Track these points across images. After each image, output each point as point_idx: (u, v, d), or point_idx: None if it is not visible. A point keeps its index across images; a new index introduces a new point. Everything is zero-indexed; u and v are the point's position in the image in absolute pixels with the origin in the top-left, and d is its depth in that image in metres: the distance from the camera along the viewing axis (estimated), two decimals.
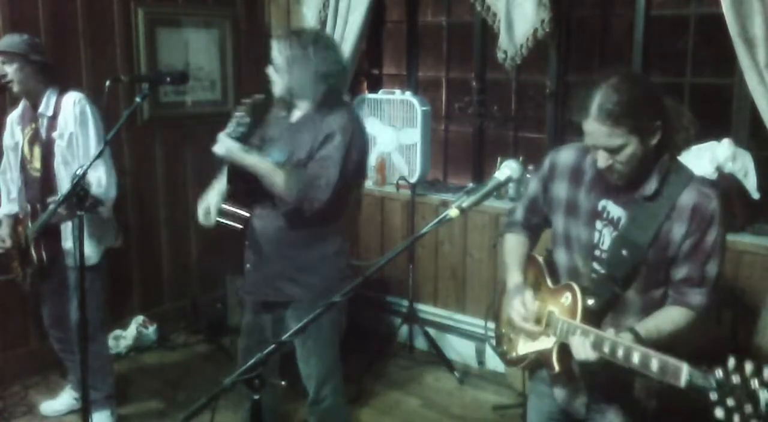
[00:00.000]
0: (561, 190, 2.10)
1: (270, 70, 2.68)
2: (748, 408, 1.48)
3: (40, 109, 3.18)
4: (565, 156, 2.11)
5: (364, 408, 3.74)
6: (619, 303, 1.99)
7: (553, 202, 2.12)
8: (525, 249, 2.25)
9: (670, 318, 1.92)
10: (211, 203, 2.76)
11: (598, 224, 2.00)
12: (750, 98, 3.13)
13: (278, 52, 2.64)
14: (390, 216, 4.46)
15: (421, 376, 4.09)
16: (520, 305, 2.06)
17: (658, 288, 1.96)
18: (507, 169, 1.86)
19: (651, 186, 1.90)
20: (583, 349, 1.83)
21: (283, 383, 3.00)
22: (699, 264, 1.90)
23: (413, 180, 4.19)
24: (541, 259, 2.19)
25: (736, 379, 1.50)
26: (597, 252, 2.00)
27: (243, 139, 2.57)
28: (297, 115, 2.73)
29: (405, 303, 4.26)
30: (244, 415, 3.07)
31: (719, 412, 1.51)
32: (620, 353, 1.75)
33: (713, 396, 1.52)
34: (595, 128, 1.83)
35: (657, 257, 1.91)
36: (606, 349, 1.79)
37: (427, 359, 4.24)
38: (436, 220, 1.75)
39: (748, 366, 1.50)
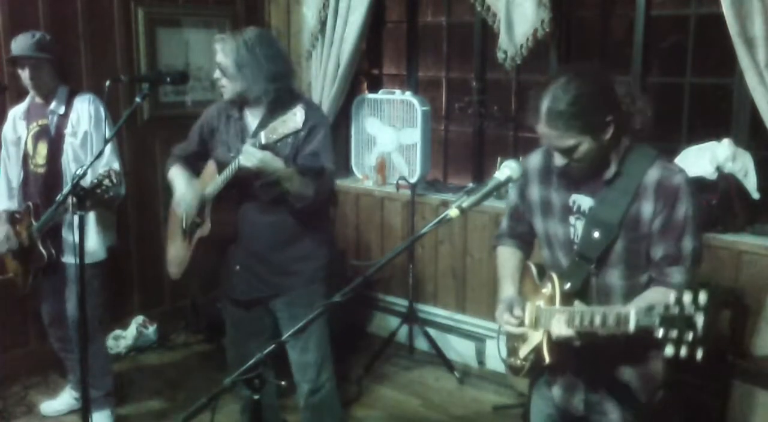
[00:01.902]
0: (534, 192, 2.14)
1: (217, 74, 2.67)
2: (689, 336, 1.51)
3: (52, 106, 3.19)
4: (534, 160, 2.16)
5: (364, 408, 3.74)
6: (605, 291, 2.01)
7: (531, 206, 2.16)
8: (516, 259, 2.26)
9: (651, 298, 1.92)
10: (193, 196, 2.74)
11: (572, 219, 2.03)
12: (750, 98, 3.13)
13: (224, 55, 2.64)
14: (390, 216, 4.46)
15: (421, 376, 4.09)
16: (509, 316, 2.07)
17: (642, 272, 1.99)
18: (507, 169, 1.86)
19: (611, 170, 1.94)
20: (558, 327, 1.87)
21: (283, 383, 3.00)
22: (674, 241, 1.91)
23: (413, 180, 4.19)
24: (533, 266, 2.22)
25: (674, 311, 1.54)
26: (575, 247, 2.03)
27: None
28: (251, 115, 2.72)
29: (405, 303, 4.26)
30: (241, 414, 3.07)
31: (669, 350, 1.54)
32: (586, 321, 1.80)
33: (658, 332, 1.55)
34: (546, 131, 1.86)
35: (631, 237, 1.93)
36: (577, 321, 1.83)
37: (427, 359, 4.24)
38: (436, 220, 1.76)
39: (686, 297, 1.54)
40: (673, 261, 1.92)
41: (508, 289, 2.18)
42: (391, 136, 4.35)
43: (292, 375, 2.87)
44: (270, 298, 2.81)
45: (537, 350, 2.02)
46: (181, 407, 3.67)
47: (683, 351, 1.52)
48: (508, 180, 1.86)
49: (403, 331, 4.30)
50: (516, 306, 2.08)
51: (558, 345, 1.93)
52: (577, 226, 2.02)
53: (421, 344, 4.33)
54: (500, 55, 3.76)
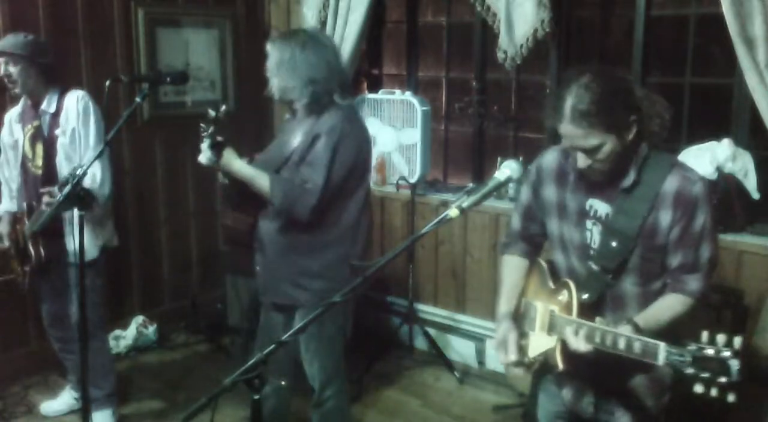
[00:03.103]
0: (550, 193, 2.11)
1: (267, 73, 2.69)
2: (722, 379, 1.52)
3: (43, 107, 3.18)
4: (549, 159, 2.13)
5: (364, 408, 3.74)
6: (619, 298, 2.00)
7: (545, 206, 2.14)
8: (521, 274, 2.23)
9: (667, 306, 1.94)
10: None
11: (588, 223, 2.02)
12: (750, 98, 3.13)
13: (271, 55, 2.65)
14: (390, 216, 4.46)
15: (421, 376, 4.09)
16: (502, 346, 2.08)
17: (656, 280, 1.98)
18: (507, 169, 1.85)
19: (630, 178, 1.92)
20: (576, 341, 1.85)
21: (283, 383, 3.00)
22: (692, 250, 1.91)
23: (413, 180, 4.19)
24: (544, 263, 2.20)
25: (709, 352, 1.54)
26: (591, 252, 2.02)
27: (214, 148, 2.56)
28: (298, 116, 2.73)
29: (405, 303, 4.26)
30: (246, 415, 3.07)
31: (698, 387, 1.55)
32: (608, 342, 1.79)
33: (689, 370, 1.56)
34: (570, 130, 1.84)
35: (647, 246, 1.93)
36: (597, 339, 1.82)
37: (427, 359, 4.24)
38: (436, 220, 1.75)
39: (720, 338, 1.54)
40: (691, 270, 1.93)
41: (503, 308, 2.16)
42: (391, 136, 4.35)
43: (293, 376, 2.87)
44: (290, 308, 2.77)
45: (548, 355, 2.02)
46: (181, 407, 3.66)
47: (714, 392, 1.53)
48: (508, 180, 1.84)
49: (403, 331, 4.30)
50: (512, 340, 2.06)
51: (571, 353, 1.93)
52: (594, 231, 2.01)
53: (421, 344, 4.33)
54: (500, 55, 3.76)
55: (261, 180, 2.57)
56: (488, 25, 3.86)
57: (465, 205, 1.74)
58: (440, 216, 1.74)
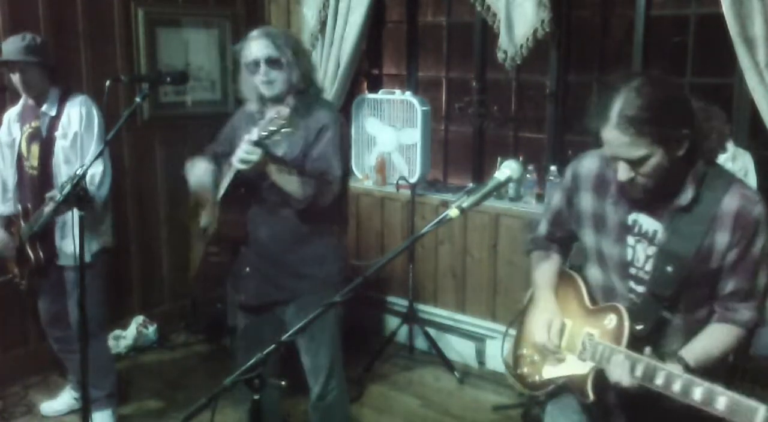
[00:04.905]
0: (586, 202, 1.96)
1: (263, 72, 2.57)
2: None
3: (44, 108, 3.18)
4: (588, 165, 1.97)
5: (364, 408, 3.74)
6: (661, 327, 1.85)
7: (580, 216, 1.99)
8: (555, 267, 2.12)
9: (719, 340, 1.80)
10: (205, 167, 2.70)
11: (630, 239, 1.87)
12: (750, 98, 3.13)
13: (275, 47, 2.56)
14: (390, 216, 4.46)
15: (421, 376, 4.09)
16: (546, 333, 1.96)
17: (702, 307, 1.84)
18: (507, 169, 1.81)
19: (687, 195, 1.76)
20: (626, 377, 1.71)
21: (283, 383, 2.99)
22: (747, 276, 1.76)
23: (413, 180, 4.19)
24: (578, 277, 2.06)
25: None
26: (632, 271, 1.88)
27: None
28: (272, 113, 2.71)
29: (405, 303, 4.26)
30: (243, 415, 3.07)
31: None
32: (677, 387, 1.63)
33: None
34: (615, 137, 1.67)
35: (699, 271, 1.77)
36: (660, 382, 1.66)
37: (427, 359, 4.23)
38: (436, 220, 1.72)
39: None
40: (744, 298, 1.78)
41: (549, 301, 2.03)
42: (391, 136, 4.35)
43: (298, 377, 2.87)
44: (280, 304, 2.77)
45: (574, 380, 1.91)
46: (181, 407, 3.66)
47: None
48: (509, 180, 1.80)
49: (403, 331, 4.30)
50: (555, 330, 1.95)
51: (606, 385, 1.80)
52: (637, 249, 1.85)
53: (421, 344, 4.33)
54: (500, 55, 3.76)
55: (291, 181, 2.52)
56: (488, 25, 3.86)
57: (465, 205, 1.71)
58: (440, 217, 1.71)
